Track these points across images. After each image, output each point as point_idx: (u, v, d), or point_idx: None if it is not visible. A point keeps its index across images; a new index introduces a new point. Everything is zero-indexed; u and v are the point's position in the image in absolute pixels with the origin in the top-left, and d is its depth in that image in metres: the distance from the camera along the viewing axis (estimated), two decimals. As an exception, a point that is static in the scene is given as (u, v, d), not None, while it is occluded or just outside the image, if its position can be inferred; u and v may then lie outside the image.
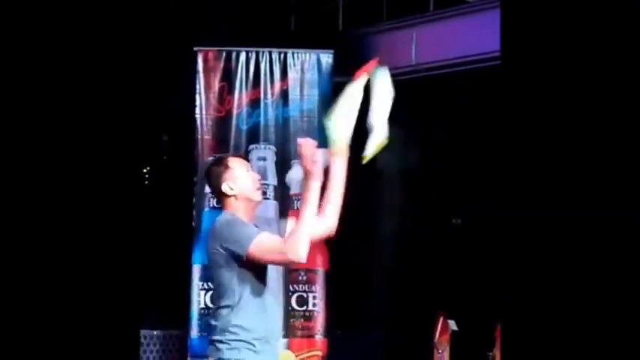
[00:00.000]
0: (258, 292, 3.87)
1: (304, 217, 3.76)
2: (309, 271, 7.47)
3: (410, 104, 8.41)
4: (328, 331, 7.51)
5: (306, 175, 3.82)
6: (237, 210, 3.93)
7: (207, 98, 7.61)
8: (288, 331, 7.43)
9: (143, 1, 8.55)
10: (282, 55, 7.61)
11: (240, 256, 3.78)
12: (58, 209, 3.08)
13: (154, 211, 8.63)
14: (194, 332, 7.20)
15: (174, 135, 9.05)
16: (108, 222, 3.22)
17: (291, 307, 7.42)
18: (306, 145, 3.85)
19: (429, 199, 8.60)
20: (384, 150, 3.86)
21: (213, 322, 3.93)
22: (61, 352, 3.01)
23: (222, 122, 7.59)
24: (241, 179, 3.96)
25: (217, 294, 3.93)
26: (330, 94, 7.72)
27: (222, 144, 7.55)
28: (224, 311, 3.87)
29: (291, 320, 7.43)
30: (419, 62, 7.98)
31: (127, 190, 3.30)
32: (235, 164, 3.99)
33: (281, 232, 3.98)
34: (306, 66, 7.63)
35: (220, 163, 4.00)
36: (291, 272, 7.48)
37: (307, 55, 7.63)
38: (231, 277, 3.84)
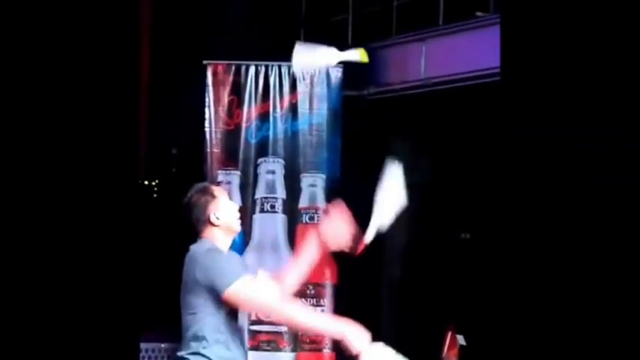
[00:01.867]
0: (225, 330, 3.81)
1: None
2: (318, 285, 7.47)
3: (419, 118, 8.42)
4: (336, 345, 7.49)
5: None
6: (217, 240, 3.89)
7: (216, 112, 7.62)
8: (296, 345, 7.43)
9: (153, 15, 8.57)
10: (291, 69, 7.62)
11: (219, 292, 3.71)
12: (65, 221, 3.07)
13: (162, 224, 8.64)
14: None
15: (183, 148, 9.06)
16: (115, 235, 3.21)
17: (300, 320, 7.41)
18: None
19: (437, 213, 8.58)
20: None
21: (182, 353, 3.87)
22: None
23: (232, 136, 7.61)
24: (227, 209, 3.93)
25: (187, 323, 3.84)
26: (340, 107, 7.75)
27: (231, 157, 7.57)
28: (193, 344, 3.80)
29: (299, 334, 7.42)
30: (428, 76, 7.98)
31: (136, 203, 3.32)
32: (220, 194, 3.96)
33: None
34: (316, 80, 7.65)
35: (206, 192, 3.95)
36: (300, 286, 7.47)
37: (316, 69, 7.64)
38: (203, 307, 3.77)
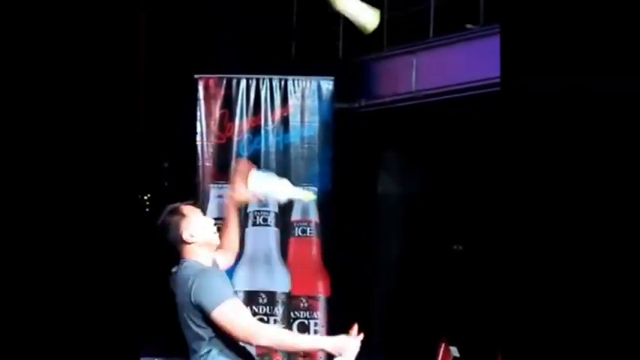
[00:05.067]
0: (228, 347, 3.76)
1: None
2: (311, 297, 7.47)
3: (410, 130, 8.44)
4: (330, 358, 7.48)
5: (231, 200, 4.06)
6: (199, 257, 3.89)
7: (207, 125, 7.63)
8: (290, 358, 7.42)
9: (145, 30, 8.59)
10: (282, 82, 7.64)
11: (207, 311, 3.68)
12: (59, 236, 3.08)
13: (155, 237, 8.63)
14: None
15: (175, 162, 9.08)
16: (108, 249, 3.21)
17: (293, 333, 7.41)
18: (243, 166, 3.96)
19: (429, 225, 8.60)
20: None
21: None
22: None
23: (223, 149, 7.61)
24: (199, 226, 3.94)
25: (189, 340, 3.82)
26: (331, 120, 7.77)
27: (223, 171, 7.57)
28: None
29: (293, 347, 7.41)
30: (418, 89, 8.01)
31: (128, 217, 3.32)
32: (190, 212, 3.95)
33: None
34: (307, 93, 7.66)
35: (176, 213, 3.95)
36: (293, 299, 7.49)
37: (308, 82, 7.66)
38: (199, 327, 3.74)
